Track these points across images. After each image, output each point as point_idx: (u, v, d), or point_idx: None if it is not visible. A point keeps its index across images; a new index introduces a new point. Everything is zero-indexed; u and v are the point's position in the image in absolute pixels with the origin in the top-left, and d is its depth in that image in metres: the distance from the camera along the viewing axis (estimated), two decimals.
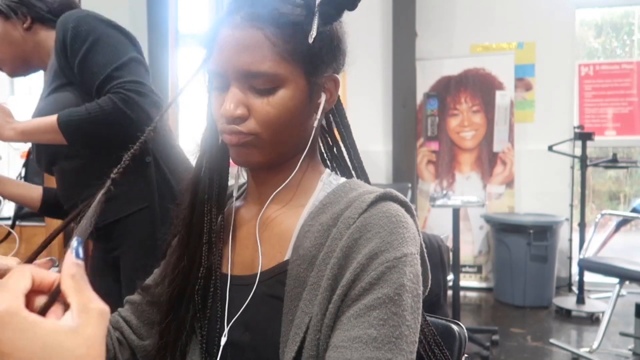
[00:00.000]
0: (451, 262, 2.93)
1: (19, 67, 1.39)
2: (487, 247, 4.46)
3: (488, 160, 4.47)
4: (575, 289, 4.05)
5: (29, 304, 0.44)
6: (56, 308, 0.45)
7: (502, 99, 4.43)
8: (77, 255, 0.47)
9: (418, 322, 0.66)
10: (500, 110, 4.43)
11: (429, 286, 0.77)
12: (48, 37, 1.36)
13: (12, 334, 0.40)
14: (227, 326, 0.75)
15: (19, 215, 1.79)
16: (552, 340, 3.16)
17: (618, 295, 2.88)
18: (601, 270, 3.03)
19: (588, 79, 4.49)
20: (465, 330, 0.90)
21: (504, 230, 4.02)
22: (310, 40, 0.68)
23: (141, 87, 1.19)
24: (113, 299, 1.36)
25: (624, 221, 3.34)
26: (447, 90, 4.54)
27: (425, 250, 0.75)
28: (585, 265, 3.13)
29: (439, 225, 4.39)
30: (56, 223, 1.92)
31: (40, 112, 1.29)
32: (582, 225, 3.84)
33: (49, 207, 1.49)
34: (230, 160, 0.80)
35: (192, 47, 4.38)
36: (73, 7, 1.39)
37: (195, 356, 0.78)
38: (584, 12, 4.64)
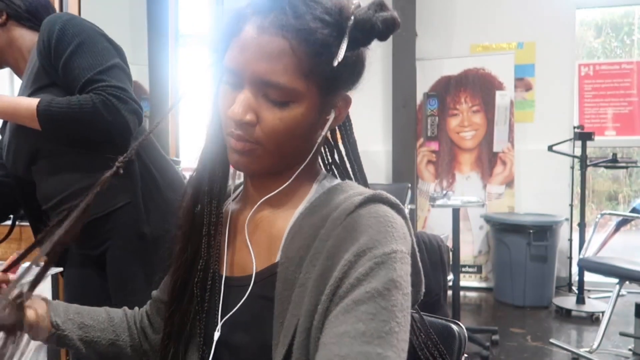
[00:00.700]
0: (451, 262, 2.93)
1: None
2: (487, 247, 4.46)
3: (488, 160, 4.47)
4: (575, 289, 4.05)
5: None
6: None
7: (502, 99, 4.43)
8: None
9: (407, 321, 0.64)
10: (500, 110, 4.43)
11: (423, 290, 0.76)
12: (21, 36, 1.36)
13: None
14: (220, 323, 0.75)
15: (19, 215, 1.79)
16: (552, 340, 3.16)
17: (618, 295, 2.88)
18: (601, 270, 3.03)
19: (588, 78, 4.49)
20: (465, 330, 0.90)
21: (504, 230, 4.02)
22: (335, 64, 0.66)
23: (122, 92, 1.19)
24: (94, 290, 1.37)
25: (624, 221, 3.34)
26: (447, 90, 4.54)
27: (418, 254, 0.74)
28: (585, 265, 3.13)
29: (439, 225, 4.39)
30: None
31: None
32: (582, 225, 3.84)
33: None
34: None
35: (192, 47, 4.38)
36: (50, 10, 1.41)
37: (193, 350, 0.78)
38: (584, 12, 4.64)
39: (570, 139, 4.16)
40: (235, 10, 0.71)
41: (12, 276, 0.83)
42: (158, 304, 0.90)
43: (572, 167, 4.28)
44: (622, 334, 3.16)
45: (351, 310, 0.61)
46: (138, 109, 1.22)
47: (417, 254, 0.74)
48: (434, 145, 4.59)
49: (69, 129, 1.21)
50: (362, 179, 0.82)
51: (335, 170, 0.83)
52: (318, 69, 0.67)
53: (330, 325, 0.62)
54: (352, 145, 0.81)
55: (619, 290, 2.88)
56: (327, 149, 0.83)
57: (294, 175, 0.75)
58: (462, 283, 4.06)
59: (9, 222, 1.67)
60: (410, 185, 4.11)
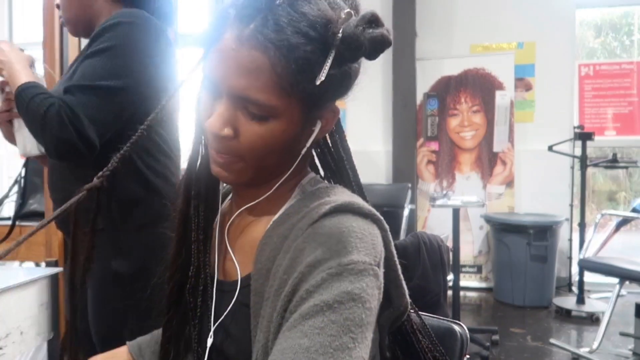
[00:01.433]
0: (451, 262, 2.93)
1: (81, 29, 1.35)
2: (487, 247, 4.46)
3: (488, 160, 4.47)
4: (575, 289, 4.05)
5: None
6: None
7: (502, 99, 4.43)
8: None
9: (367, 337, 0.58)
10: (500, 110, 4.43)
11: (405, 304, 0.72)
12: (109, 11, 1.31)
13: None
14: (212, 328, 0.74)
15: (19, 215, 1.79)
16: (552, 340, 3.16)
17: (618, 295, 2.88)
18: (601, 270, 3.03)
19: (588, 79, 4.49)
20: (467, 331, 0.90)
21: (504, 230, 4.02)
22: (317, 82, 0.61)
23: (82, 125, 1.11)
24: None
25: (624, 221, 3.34)
26: (447, 90, 4.55)
27: (398, 267, 0.70)
28: (585, 265, 3.13)
29: (439, 225, 4.39)
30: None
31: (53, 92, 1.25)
32: (582, 225, 3.84)
33: None
34: None
35: (191, 48, 4.37)
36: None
37: (191, 356, 0.78)
38: (584, 12, 4.64)
39: (570, 139, 4.16)
40: (220, 11, 0.67)
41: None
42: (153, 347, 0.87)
43: (572, 167, 4.28)
44: (622, 334, 3.16)
45: (297, 325, 0.57)
46: (81, 149, 1.12)
47: (398, 266, 0.70)
48: (434, 145, 4.59)
49: (27, 123, 1.17)
50: (354, 178, 0.78)
51: (326, 170, 0.80)
52: (299, 87, 0.62)
53: (277, 342, 0.58)
54: (341, 138, 0.78)
55: (619, 290, 2.88)
56: (320, 152, 0.80)
57: (276, 186, 0.72)
58: (462, 283, 4.06)
59: (9, 222, 1.67)
60: (410, 185, 4.11)
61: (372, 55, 0.63)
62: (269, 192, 0.72)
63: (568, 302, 3.81)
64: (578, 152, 4.01)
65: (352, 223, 0.63)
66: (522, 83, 4.47)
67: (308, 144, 0.70)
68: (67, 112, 1.10)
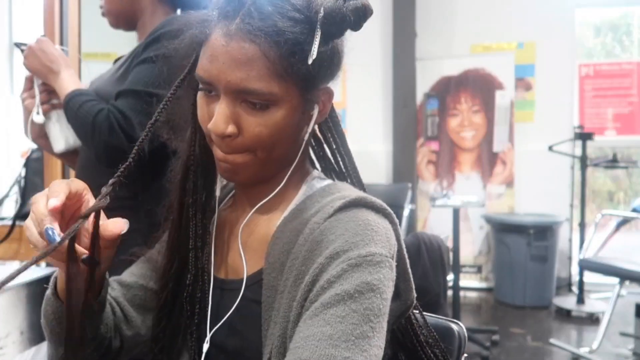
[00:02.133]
0: (451, 262, 2.93)
1: (122, 22, 1.35)
2: (487, 247, 4.46)
3: (488, 160, 4.47)
4: (575, 289, 4.05)
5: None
6: None
7: (502, 99, 4.43)
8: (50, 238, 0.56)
9: (384, 327, 0.61)
10: (500, 110, 4.43)
11: (413, 297, 0.73)
12: (154, 9, 1.31)
13: None
14: (210, 332, 0.73)
15: (19, 215, 1.79)
16: (552, 340, 3.16)
17: (618, 295, 2.88)
18: (601, 270, 3.04)
19: (588, 79, 4.49)
20: (464, 330, 0.90)
21: (504, 230, 4.02)
22: (310, 61, 0.63)
23: (126, 123, 1.10)
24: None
25: (624, 221, 3.34)
26: (447, 90, 4.55)
27: (407, 260, 0.72)
28: (585, 265, 3.14)
29: (439, 225, 4.39)
30: None
31: (97, 89, 1.24)
32: (582, 225, 3.84)
33: None
34: None
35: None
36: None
37: (184, 358, 0.77)
38: (584, 12, 4.64)
39: (571, 139, 4.15)
40: (201, 15, 0.69)
41: None
42: (135, 291, 0.82)
43: (572, 167, 4.28)
44: (622, 334, 3.16)
45: (319, 313, 0.59)
46: (123, 146, 1.11)
47: (407, 260, 0.71)
48: (434, 145, 4.59)
49: (77, 131, 1.17)
50: (354, 174, 0.79)
51: (326, 166, 0.81)
52: (293, 69, 0.64)
53: (298, 330, 0.59)
54: (340, 138, 0.79)
55: (619, 290, 2.89)
56: (316, 145, 0.81)
57: (285, 178, 0.73)
58: (462, 283, 4.06)
59: (9, 222, 1.67)
60: (410, 185, 4.11)
61: (356, 26, 0.65)
62: (281, 184, 0.73)
63: (568, 302, 3.81)
64: (578, 152, 4.01)
65: (368, 217, 0.65)
66: (522, 83, 4.47)
67: (309, 129, 0.72)
68: (117, 117, 1.09)
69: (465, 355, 0.90)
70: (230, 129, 0.66)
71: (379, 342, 0.59)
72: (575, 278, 4.11)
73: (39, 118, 1.25)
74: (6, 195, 1.92)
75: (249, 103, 0.66)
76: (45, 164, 1.71)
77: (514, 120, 4.42)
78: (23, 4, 3.65)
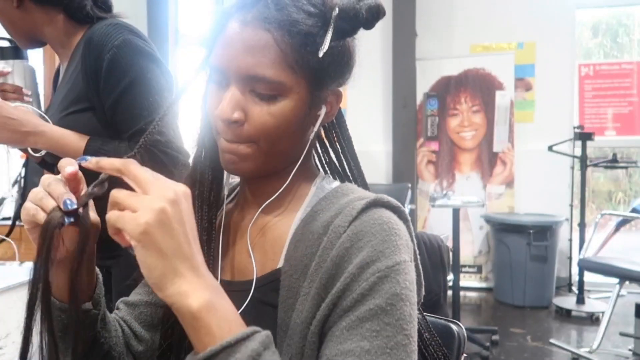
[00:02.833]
0: (451, 262, 2.93)
1: (27, 42, 1.31)
2: (487, 247, 4.46)
3: (488, 160, 4.47)
4: (575, 289, 4.05)
5: None
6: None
7: (502, 99, 4.43)
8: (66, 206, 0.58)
9: (415, 329, 0.65)
10: (500, 110, 4.43)
11: (423, 291, 0.76)
12: (44, 18, 1.26)
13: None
14: None
15: (19, 215, 1.79)
16: (552, 340, 3.17)
17: (618, 295, 2.88)
18: (601, 270, 3.04)
19: (588, 79, 4.49)
20: (464, 330, 0.90)
21: (504, 230, 4.02)
22: (321, 55, 0.66)
23: (170, 148, 1.12)
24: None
25: (624, 221, 3.34)
26: (447, 90, 4.55)
27: (418, 257, 0.73)
28: (585, 265, 3.14)
29: (439, 225, 4.39)
30: None
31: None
32: (582, 225, 3.84)
33: None
34: None
35: (192, 47, 4.38)
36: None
37: None
38: (584, 12, 4.64)
39: (570, 139, 4.16)
40: (220, 10, 0.71)
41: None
42: (141, 308, 0.83)
43: (572, 167, 4.28)
44: (622, 334, 3.16)
45: (356, 327, 0.62)
46: (179, 159, 1.15)
47: (418, 256, 0.73)
48: (434, 145, 4.59)
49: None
50: (360, 179, 0.80)
51: (332, 171, 0.82)
52: (304, 61, 0.66)
53: (335, 340, 0.62)
54: (347, 142, 0.80)
55: (619, 290, 2.89)
56: (321, 150, 0.81)
57: (292, 175, 0.73)
58: (462, 283, 4.06)
59: (9, 222, 1.67)
60: (410, 185, 4.12)
61: (369, 24, 0.67)
62: (288, 181, 0.73)
63: (568, 302, 3.82)
64: (578, 152, 4.02)
65: (390, 219, 0.67)
66: (522, 83, 4.47)
67: (316, 128, 0.73)
68: (162, 150, 1.11)
69: (465, 355, 0.90)
70: (237, 114, 0.67)
71: (414, 346, 0.63)
72: (575, 278, 4.11)
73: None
74: (6, 196, 1.92)
75: (257, 93, 0.67)
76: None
77: (514, 120, 4.42)
78: None
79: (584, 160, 3.85)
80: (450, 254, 2.91)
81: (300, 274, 0.67)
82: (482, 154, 4.49)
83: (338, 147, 0.80)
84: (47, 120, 1.19)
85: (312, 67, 0.67)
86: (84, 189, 0.63)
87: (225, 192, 0.81)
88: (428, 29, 4.55)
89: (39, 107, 1.31)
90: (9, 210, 1.97)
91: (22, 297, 1.37)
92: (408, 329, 0.62)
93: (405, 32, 4.44)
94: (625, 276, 2.84)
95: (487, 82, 4.46)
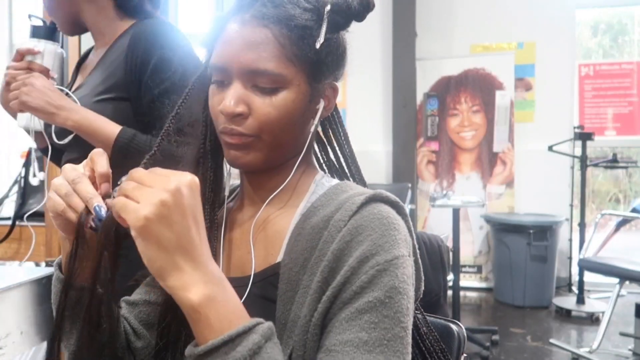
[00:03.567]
0: (451, 262, 2.93)
1: (69, 27, 1.31)
2: (487, 247, 4.46)
3: (488, 160, 4.47)
4: (575, 289, 4.05)
5: None
6: None
7: (502, 99, 4.43)
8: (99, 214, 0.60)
9: (411, 322, 0.67)
10: (500, 110, 4.43)
11: (422, 288, 0.77)
12: (92, 4, 1.27)
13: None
14: None
15: (19, 215, 1.79)
16: (552, 340, 3.17)
17: (618, 295, 2.88)
18: (601, 270, 3.03)
19: (588, 79, 4.49)
20: (464, 330, 0.90)
21: (504, 230, 4.02)
22: (318, 46, 0.70)
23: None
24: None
25: (624, 221, 3.34)
26: (447, 90, 4.55)
27: (418, 251, 0.75)
28: (585, 265, 3.14)
29: (439, 225, 4.39)
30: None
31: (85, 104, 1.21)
32: (582, 226, 3.84)
33: None
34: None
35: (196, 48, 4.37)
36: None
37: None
38: (584, 12, 4.64)
39: (570, 139, 4.16)
40: (218, 15, 0.74)
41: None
42: (140, 307, 0.84)
43: (572, 167, 4.28)
44: (622, 334, 3.16)
45: (355, 318, 0.64)
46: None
47: (417, 251, 0.74)
48: (434, 145, 4.59)
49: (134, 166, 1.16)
50: (358, 176, 0.82)
51: (331, 168, 0.83)
52: (302, 53, 0.70)
53: (334, 331, 0.64)
54: (344, 138, 0.82)
55: (619, 290, 2.88)
56: (320, 147, 0.83)
57: (294, 169, 0.75)
58: (462, 283, 4.06)
59: (9, 222, 1.67)
60: (410, 185, 4.12)
61: (360, 16, 0.73)
62: (291, 175, 0.76)
63: (568, 302, 3.81)
64: (578, 152, 4.02)
65: (389, 214, 0.69)
66: (522, 83, 4.47)
67: (316, 122, 0.76)
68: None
69: (465, 355, 0.90)
70: (241, 108, 0.69)
71: (409, 338, 0.65)
72: (575, 278, 4.11)
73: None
74: (6, 196, 1.92)
75: (259, 87, 0.70)
76: (45, 164, 1.71)
77: (514, 120, 4.42)
78: (23, 4, 3.66)
79: (584, 160, 3.85)
80: (450, 254, 2.91)
81: (300, 267, 0.69)
82: (482, 154, 4.49)
83: (336, 145, 0.82)
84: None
85: (311, 59, 0.70)
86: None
87: (227, 192, 0.82)
88: (428, 29, 4.55)
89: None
90: (9, 210, 1.97)
91: (22, 297, 1.37)
92: (405, 321, 0.64)
93: (405, 32, 4.44)
94: (625, 276, 2.84)
95: (487, 82, 4.46)
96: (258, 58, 0.68)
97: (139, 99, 1.19)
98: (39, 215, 1.79)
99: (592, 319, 3.60)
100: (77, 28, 1.32)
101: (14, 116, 1.27)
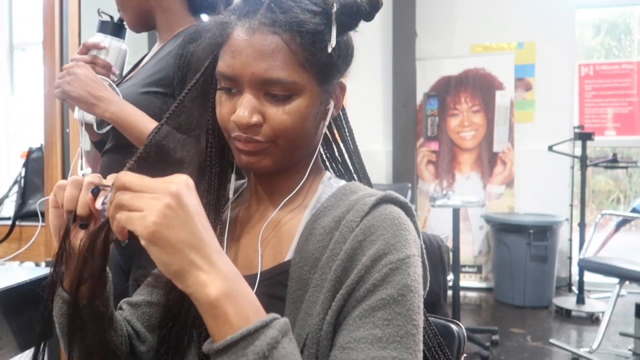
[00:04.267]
0: (451, 262, 2.93)
1: (137, 23, 1.31)
2: (487, 247, 4.46)
3: (488, 160, 4.47)
4: (575, 289, 4.05)
5: None
6: None
7: (502, 99, 4.43)
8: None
9: (422, 320, 0.67)
10: (500, 110, 4.43)
11: (428, 287, 0.77)
12: (171, 5, 1.28)
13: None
14: None
15: (19, 215, 1.79)
16: (552, 340, 3.17)
17: (618, 295, 2.88)
18: (601, 270, 3.03)
19: (588, 79, 4.49)
20: (464, 330, 0.90)
21: (504, 230, 4.02)
22: (330, 50, 0.69)
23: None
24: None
25: (624, 221, 3.34)
26: (447, 90, 4.55)
27: (425, 251, 0.75)
28: (585, 265, 3.14)
29: (439, 225, 4.39)
30: None
31: (134, 103, 1.21)
32: (582, 226, 3.84)
33: None
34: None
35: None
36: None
37: (192, 356, 0.75)
38: (584, 12, 4.64)
39: (570, 139, 4.16)
40: (218, 20, 0.72)
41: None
42: (143, 308, 0.83)
43: (572, 167, 4.28)
44: (622, 334, 3.16)
45: (368, 315, 0.64)
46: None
47: (424, 251, 0.75)
48: (434, 145, 4.59)
49: (163, 161, 1.16)
50: (364, 177, 0.82)
51: (337, 168, 0.84)
52: (314, 59, 0.69)
53: (348, 328, 0.65)
54: (349, 133, 0.82)
55: (619, 290, 2.88)
56: (326, 148, 0.83)
57: (308, 171, 0.76)
58: (462, 283, 4.06)
59: (9, 222, 1.67)
60: (410, 185, 4.11)
61: (369, 16, 0.71)
62: (305, 177, 0.76)
63: (568, 302, 3.81)
64: (578, 152, 4.02)
65: (399, 215, 0.70)
66: (522, 83, 4.47)
67: (327, 122, 0.76)
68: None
69: (465, 355, 0.90)
70: (256, 118, 0.69)
71: (421, 336, 0.66)
72: (575, 278, 4.11)
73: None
74: (6, 196, 1.92)
75: (272, 95, 0.69)
76: (45, 164, 1.71)
77: (514, 120, 4.42)
78: (23, 4, 3.66)
79: (584, 160, 3.85)
80: (450, 254, 2.91)
81: (311, 266, 0.69)
82: (482, 154, 4.49)
83: (340, 142, 0.83)
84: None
85: (323, 63, 0.70)
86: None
87: (231, 194, 0.81)
88: (428, 29, 4.55)
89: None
90: (9, 210, 1.97)
91: (21, 298, 1.37)
92: (417, 319, 0.65)
93: (405, 32, 4.44)
94: (625, 276, 2.84)
95: (487, 82, 4.46)
96: (270, 67, 0.67)
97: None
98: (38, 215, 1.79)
99: (592, 319, 3.60)
100: (145, 25, 1.32)
101: (72, 108, 1.27)
